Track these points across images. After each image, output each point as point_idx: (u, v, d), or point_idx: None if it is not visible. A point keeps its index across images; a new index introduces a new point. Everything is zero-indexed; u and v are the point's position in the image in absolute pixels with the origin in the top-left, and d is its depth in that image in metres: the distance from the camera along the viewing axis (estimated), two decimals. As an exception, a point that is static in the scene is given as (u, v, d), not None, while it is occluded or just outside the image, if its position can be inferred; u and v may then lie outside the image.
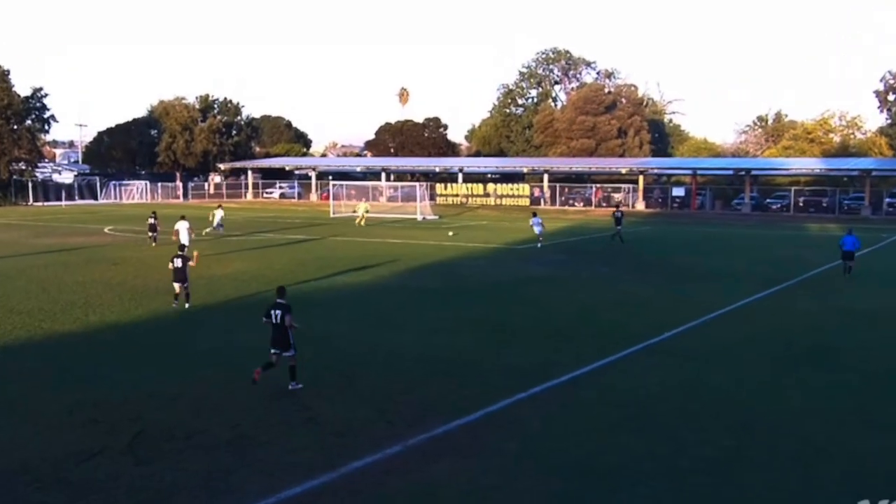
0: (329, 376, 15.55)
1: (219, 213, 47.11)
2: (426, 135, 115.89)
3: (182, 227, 33.48)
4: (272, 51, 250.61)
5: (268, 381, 14.54)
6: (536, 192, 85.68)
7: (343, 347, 18.02)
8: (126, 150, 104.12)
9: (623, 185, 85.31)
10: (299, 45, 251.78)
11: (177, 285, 22.32)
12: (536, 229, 40.64)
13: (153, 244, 38.80)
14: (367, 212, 56.65)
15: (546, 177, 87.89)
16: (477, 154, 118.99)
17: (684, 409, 13.71)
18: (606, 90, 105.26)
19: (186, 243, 30.65)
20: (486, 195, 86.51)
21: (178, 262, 22.14)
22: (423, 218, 63.23)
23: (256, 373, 14.32)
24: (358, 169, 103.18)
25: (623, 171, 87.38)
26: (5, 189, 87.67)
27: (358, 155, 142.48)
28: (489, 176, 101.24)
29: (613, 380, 15.63)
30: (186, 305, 22.28)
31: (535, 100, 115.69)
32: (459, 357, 17.15)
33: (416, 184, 75.98)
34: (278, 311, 14.67)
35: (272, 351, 14.66)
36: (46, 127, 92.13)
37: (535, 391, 14.58)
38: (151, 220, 39.95)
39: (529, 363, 16.62)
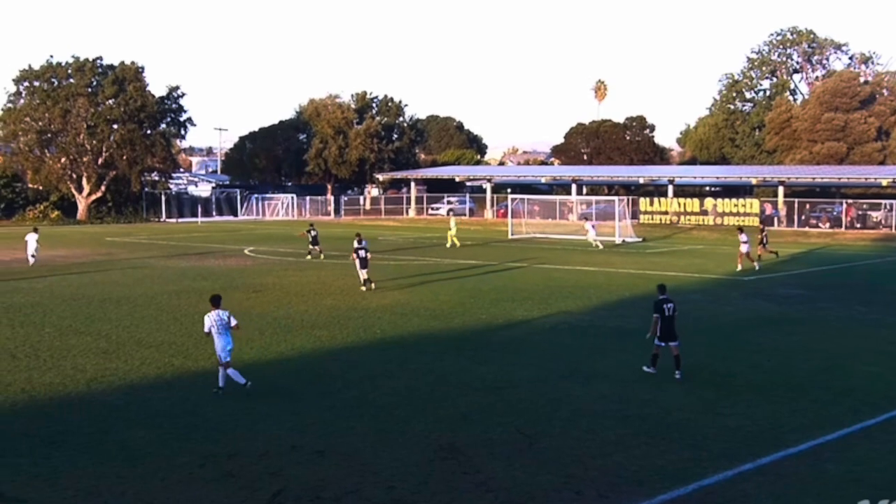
0: (504, 433, 15.61)
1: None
2: (627, 138, 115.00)
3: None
4: (440, 40, 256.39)
5: (429, 436, 14.75)
6: (768, 209, 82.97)
7: (522, 399, 18.07)
8: (271, 157, 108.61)
9: (883, 202, 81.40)
10: (472, 33, 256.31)
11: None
12: (743, 248, 42.62)
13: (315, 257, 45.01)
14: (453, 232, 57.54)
15: (781, 190, 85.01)
16: (692, 161, 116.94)
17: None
18: (862, 80, 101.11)
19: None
20: (703, 212, 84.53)
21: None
22: (623, 240, 62.62)
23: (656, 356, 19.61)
24: (542, 180, 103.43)
25: (884, 182, 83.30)
26: (136, 203, 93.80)
27: (543, 163, 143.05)
28: (707, 189, 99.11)
29: (868, 453, 14.88)
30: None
31: (768, 93, 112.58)
32: (666, 414, 16.84)
33: (615, 198, 75.36)
34: (671, 305, 19.62)
35: (659, 344, 19.43)
36: (183, 132, 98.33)
37: (764, 462, 14.09)
38: (312, 233, 46.76)
39: (756, 425, 16.11)
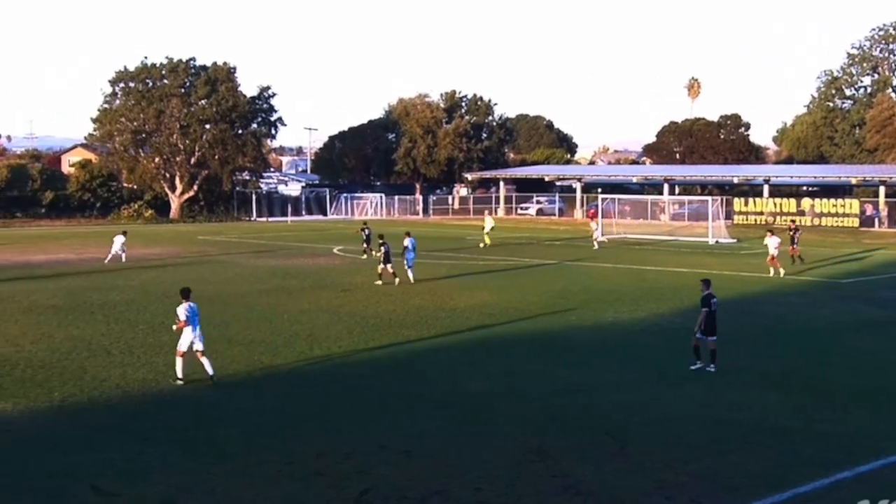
0: (593, 436, 15.54)
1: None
2: (721, 136, 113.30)
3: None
4: (530, 38, 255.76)
5: (516, 438, 14.74)
6: (868, 210, 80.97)
7: (611, 402, 17.98)
8: (360, 157, 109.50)
9: None
10: (563, 31, 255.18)
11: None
12: (773, 252, 39.38)
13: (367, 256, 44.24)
14: (492, 229, 56.81)
15: (882, 190, 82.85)
16: (788, 160, 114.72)
17: None
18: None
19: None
20: (800, 213, 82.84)
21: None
22: (717, 241, 61.74)
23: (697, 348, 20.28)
24: (634, 179, 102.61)
25: None
26: (227, 202, 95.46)
27: (634, 162, 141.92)
28: (804, 189, 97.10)
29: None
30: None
31: (869, 90, 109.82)
32: (760, 419, 16.57)
33: (708, 198, 74.30)
34: (715, 300, 20.69)
35: (701, 337, 20.29)
36: (273, 131, 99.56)
37: (863, 470, 13.78)
38: (366, 231, 46.70)
39: (853, 432, 15.78)
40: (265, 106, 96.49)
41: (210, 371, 19.12)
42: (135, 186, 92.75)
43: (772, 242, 39.64)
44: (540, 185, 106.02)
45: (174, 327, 19.75)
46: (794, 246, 43.36)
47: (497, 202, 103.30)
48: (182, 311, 19.26)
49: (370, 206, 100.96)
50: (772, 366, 21.25)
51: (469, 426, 16.10)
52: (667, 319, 28.12)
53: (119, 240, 45.14)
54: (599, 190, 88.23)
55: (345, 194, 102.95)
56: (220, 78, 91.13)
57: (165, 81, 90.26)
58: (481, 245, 54.65)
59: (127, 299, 31.54)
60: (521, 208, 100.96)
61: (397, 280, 35.47)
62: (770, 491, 12.79)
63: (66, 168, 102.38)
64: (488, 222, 58.17)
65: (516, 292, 33.81)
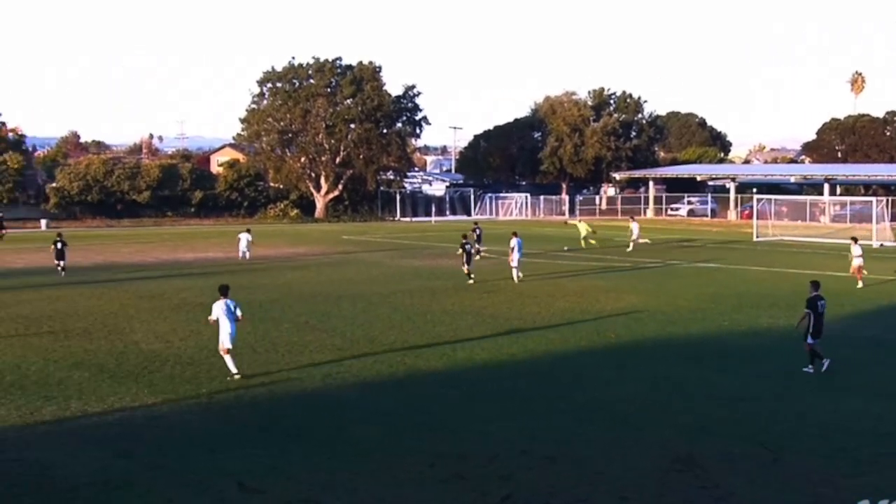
0: (745, 447, 15.20)
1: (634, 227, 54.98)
2: (888, 134, 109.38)
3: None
4: (681, 33, 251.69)
5: (664, 445, 14.56)
6: None
7: (765, 411, 17.58)
8: (505, 156, 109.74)
9: None
10: (716, 26, 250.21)
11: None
12: (856, 261, 37.04)
13: (478, 256, 44.38)
14: (589, 232, 55.40)
15: None
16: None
17: None
18: None
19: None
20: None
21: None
22: (881, 244, 59.63)
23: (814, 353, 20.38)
24: (791, 179, 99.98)
25: None
26: (371, 202, 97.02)
27: (792, 161, 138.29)
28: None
29: None
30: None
31: None
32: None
33: (873, 199, 71.80)
34: (823, 302, 21.10)
35: (812, 342, 20.48)
36: (418, 130, 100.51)
37: None
38: (478, 231, 47.39)
39: None
40: (410, 105, 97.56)
41: (233, 369, 19.84)
42: (281, 186, 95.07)
43: (856, 252, 37.29)
44: (691, 185, 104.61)
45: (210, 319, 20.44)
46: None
47: (646, 202, 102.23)
48: (216, 308, 19.94)
49: (515, 207, 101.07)
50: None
51: (615, 432, 15.99)
52: (826, 326, 27.22)
53: (244, 237, 46.73)
54: (754, 190, 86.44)
55: (489, 194, 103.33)
56: (366, 77, 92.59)
57: (312, 81, 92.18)
58: (584, 245, 54.27)
59: (272, 298, 32.37)
60: (672, 209, 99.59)
61: (471, 280, 36.78)
62: (937, 510, 12.31)
63: (214, 168, 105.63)
64: (582, 228, 57.11)
65: (665, 296, 33.35)
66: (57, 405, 17.63)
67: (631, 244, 53.68)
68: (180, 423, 16.71)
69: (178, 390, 18.88)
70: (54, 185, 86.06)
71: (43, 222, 77.38)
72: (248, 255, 46.24)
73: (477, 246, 45.92)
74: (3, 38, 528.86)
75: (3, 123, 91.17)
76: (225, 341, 19.82)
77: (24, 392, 18.59)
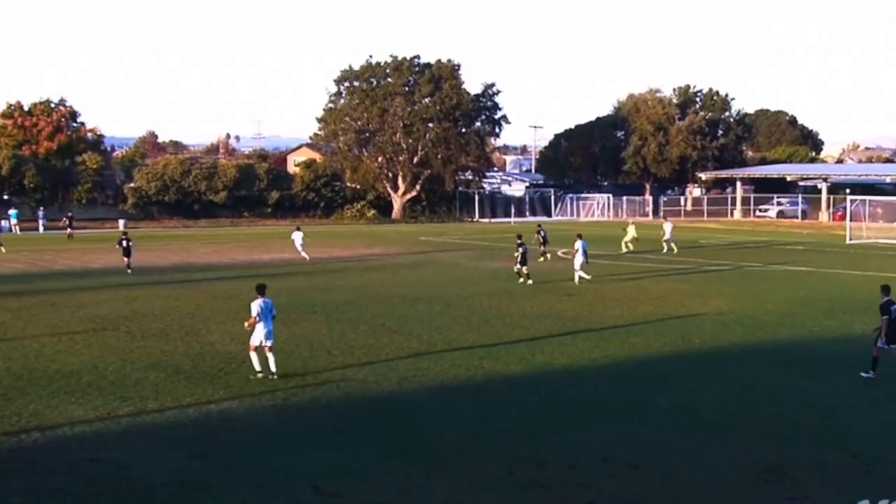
0: (837, 457, 14.90)
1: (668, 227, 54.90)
2: None
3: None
4: (769, 30, 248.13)
5: (751, 454, 14.31)
6: None
7: (857, 420, 17.27)
8: (586, 155, 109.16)
9: None
10: (806, 23, 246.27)
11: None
12: None
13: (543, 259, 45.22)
14: (635, 239, 53.76)
15: None
16: None
17: None
18: None
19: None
20: None
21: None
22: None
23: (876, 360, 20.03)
24: (887, 179, 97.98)
25: None
26: (450, 202, 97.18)
27: (889, 160, 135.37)
28: None
29: None
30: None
31: None
32: None
33: (973, 200, 70.00)
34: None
35: (883, 347, 19.97)
36: (497, 130, 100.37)
37: None
38: (542, 233, 46.98)
39: None
40: (489, 104, 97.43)
41: (273, 368, 20.07)
42: (358, 186, 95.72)
43: None
44: (781, 186, 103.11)
45: (246, 324, 20.64)
46: None
47: (733, 203, 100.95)
48: (255, 306, 20.20)
49: (597, 207, 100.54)
50: None
51: (700, 440, 15.77)
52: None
53: (298, 236, 47.39)
54: (848, 191, 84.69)
55: (570, 194, 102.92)
56: (444, 76, 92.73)
57: (389, 80, 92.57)
58: (623, 251, 52.79)
59: (348, 299, 32.58)
60: (760, 210, 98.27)
61: (530, 281, 37.43)
62: None
63: (291, 168, 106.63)
64: (630, 231, 56.01)
65: (753, 300, 32.85)
66: (133, 406, 17.95)
67: (664, 245, 53.19)
68: (255, 424, 16.89)
69: (254, 392, 19.08)
70: (132, 185, 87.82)
71: (121, 222, 78.91)
72: (302, 253, 46.89)
73: (542, 248, 45.98)
74: (82, 36, 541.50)
75: (83, 124, 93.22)
76: (256, 339, 20.15)
77: (101, 392, 18.97)
